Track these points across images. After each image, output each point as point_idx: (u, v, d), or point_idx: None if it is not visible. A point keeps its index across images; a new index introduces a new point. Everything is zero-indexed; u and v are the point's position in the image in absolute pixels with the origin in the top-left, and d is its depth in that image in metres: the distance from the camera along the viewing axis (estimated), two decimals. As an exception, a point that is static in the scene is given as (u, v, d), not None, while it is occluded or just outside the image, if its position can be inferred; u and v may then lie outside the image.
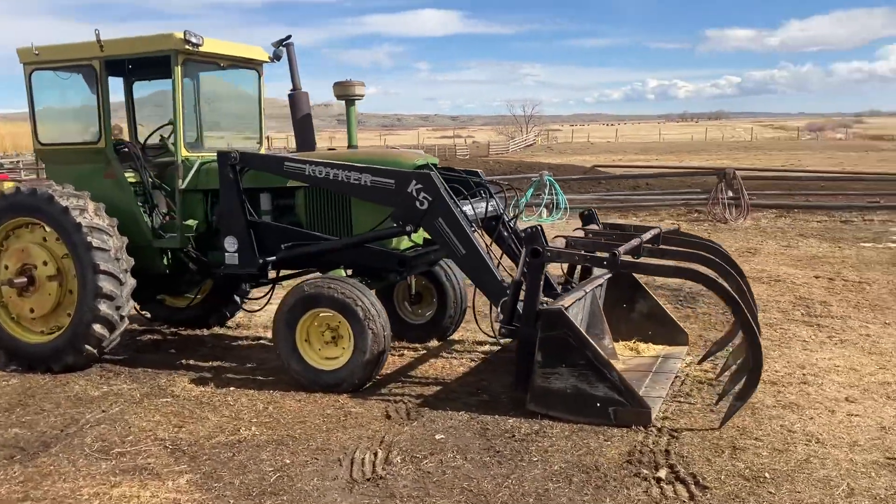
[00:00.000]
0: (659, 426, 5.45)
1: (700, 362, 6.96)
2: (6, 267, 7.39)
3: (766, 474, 4.68)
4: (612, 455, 5.02)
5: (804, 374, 6.59)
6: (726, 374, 6.41)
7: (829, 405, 5.87)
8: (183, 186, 7.30)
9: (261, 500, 4.56)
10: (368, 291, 6.45)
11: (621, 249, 5.64)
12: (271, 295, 8.07)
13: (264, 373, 7.13)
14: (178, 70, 7.15)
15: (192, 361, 7.62)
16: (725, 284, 5.45)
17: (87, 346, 7.10)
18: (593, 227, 7.40)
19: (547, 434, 5.38)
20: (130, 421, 5.89)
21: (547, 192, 19.85)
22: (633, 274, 7.03)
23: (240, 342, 8.44)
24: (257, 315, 9.37)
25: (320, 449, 5.27)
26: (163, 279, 7.77)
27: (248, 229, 7.01)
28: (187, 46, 7.06)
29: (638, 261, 5.88)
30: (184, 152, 7.33)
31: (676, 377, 6.49)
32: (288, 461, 5.07)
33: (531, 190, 20.07)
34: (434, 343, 7.92)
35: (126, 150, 7.66)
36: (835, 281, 10.89)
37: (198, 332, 8.92)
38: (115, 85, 8.14)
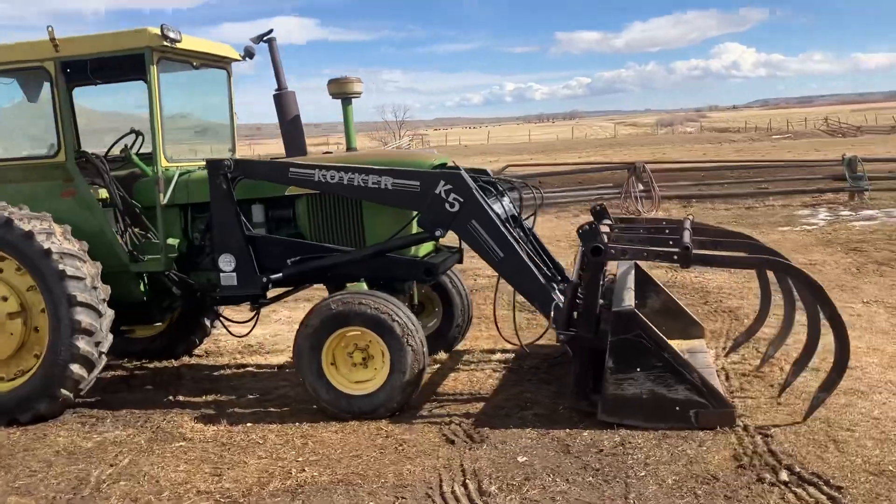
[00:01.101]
0: (742, 425, 5.19)
1: (727, 355, 6.81)
2: (-47, 307, 6.32)
3: (891, 467, 4.49)
4: (718, 461, 4.72)
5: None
6: (766, 365, 6.31)
7: (889, 387, 5.80)
8: (165, 201, 6.46)
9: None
10: (402, 305, 5.89)
11: (688, 242, 5.35)
12: (258, 315, 7.31)
13: (274, 403, 6.43)
14: (154, 70, 6.32)
15: (181, 398, 6.78)
16: (805, 272, 5.26)
17: (63, 391, 6.16)
18: (607, 222, 7.10)
19: (634, 445, 5.02)
20: (153, 473, 5.09)
21: None
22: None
23: (222, 371, 7.62)
24: (222, 340, 8.57)
25: (399, 485, 4.69)
26: (138, 308, 6.86)
27: (247, 245, 6.28)
28: (165, 43, 6.25)
29: (710, 252, 5.61)
30: (164, 163, 6.50)
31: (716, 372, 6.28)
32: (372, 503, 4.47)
33: None
34: (442, 355, 7.40)
35: (86, 163, 6.72)
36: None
37: (165, 363, 8.01)
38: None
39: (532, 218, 6.82)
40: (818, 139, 57.29)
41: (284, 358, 7.87)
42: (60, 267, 6.01)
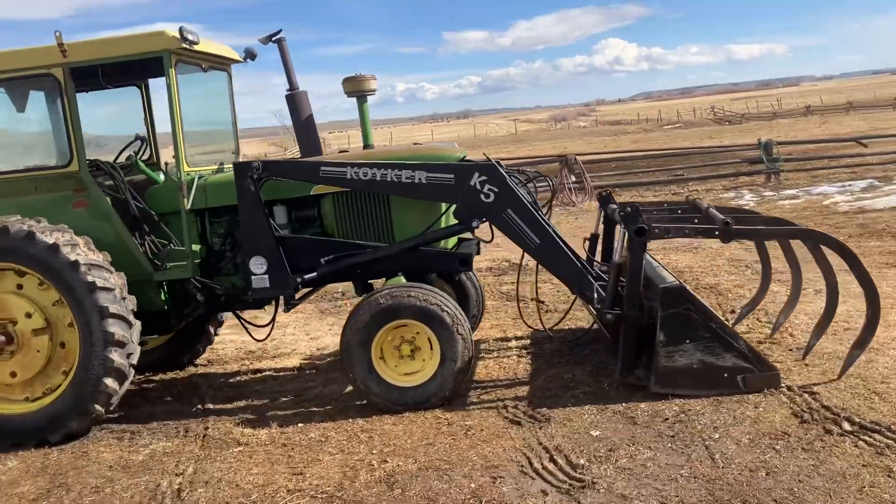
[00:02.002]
0: (787, 386, 5.55)
1: (733, 326, 7.20)
2: (-31, 327, 6.04)
3: (940, 412, 4.93)
4: (781, 420, 5.05)
5: (840, 322, 6.95)
6: (776, 333, 6.71)
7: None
8: (189, 207, 6.36)
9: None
10: (447, 295, 6.01)
11: (727, 217, 5.67)
12: (274, 318, 7.27)
13: (314, 403, 6.45)
14: (173, 73, 6.21)
15: (211, 406, 6.68)
16: (838, 240, 5.67)
17: (97, 406, 5.99)
18: (612, 206, 7.40)
19: (695, 411, 5.30)
20: (228, 478, 5.04)
21: None
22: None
23: (238, 378, 7.53)
24: (219, 349, 8.46)
25: (489, 466, 4.82)
26: (157, 317, 6.70)
27: (278, 246, 6.26)
28: (184, 45, 6.16)
29: (749, 227, 5.96)
30: (186, 168, 6.39)
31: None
32: (475, 485, 4.58)
33: None
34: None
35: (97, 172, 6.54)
36: (743, 243, 11.72)
37: (171, 374, 7.83)
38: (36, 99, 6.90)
39: (547, 207, 7.03)
40: (708, 127, 59.87)
41: (296, 360, 7.85)
42: (90, 279, 5.84)
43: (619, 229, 5.86)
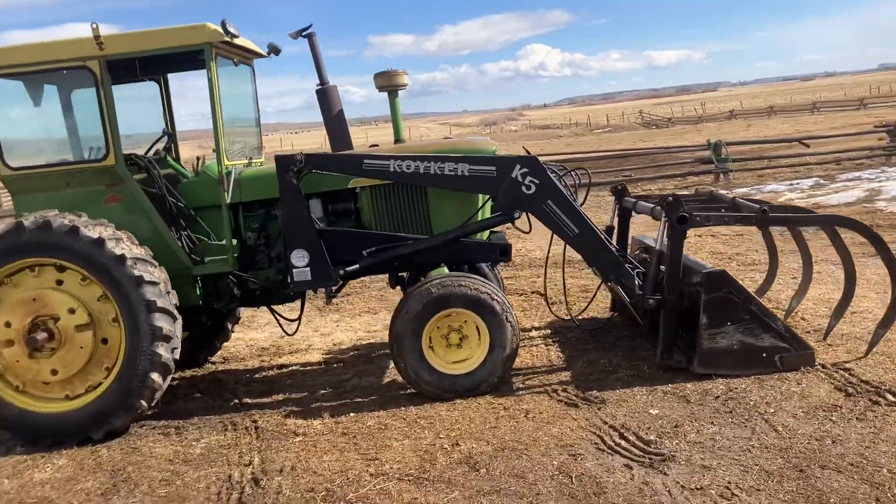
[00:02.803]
0: (821, 364, 5.89)
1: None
2: (7, 324, 5.90)
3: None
4: (826, 394, 5.38)
5: (852, 308, 7.29)
6: (789, 317, 7.06)
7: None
8: (229, 200, 6.35)
9: (601, 498, 4.26)
10: (495, 284, 6.16)
11: (763, 206, 5.99)
12: (302, 313, 7.29)
13: (355, 394, 6.49)
14: (214, 66, 6.20)
15: (248, 400, 6.66)
16: (867, 226, 6.04)
17: (142, 401, 5.93)
18: (628, 199, 7.68)
19: (741, 389, 5.59)
20: (304, 466, 5.07)
21: None
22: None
23: (264, 373, 7.51)
24: (230, 347, 8.42)
25: (564, 445, 5.00)
26: (190, 312, 6.66)
27: (319, 239, 6.31)
28: (226, 39, 6.17)
29: (784, 215, 6.29)
30: (226, 162, 6.38)
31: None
32: (557, 462, 4.75)
33: None
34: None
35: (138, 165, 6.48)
36: (719, 238, 12.23)
37: (191, 371, 7.76)
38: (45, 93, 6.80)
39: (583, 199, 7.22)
40: (636, 131, 61.44)
41: (316, 356, 7.87)
42: (136, 273, 5.79)
43: (662, 221, 6.09)
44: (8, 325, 5.88)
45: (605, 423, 5.27)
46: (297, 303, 7.18)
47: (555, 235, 6.37)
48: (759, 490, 4.18)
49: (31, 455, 5.82)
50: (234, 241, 6.50)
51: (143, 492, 4.98)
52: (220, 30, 6.11)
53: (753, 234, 12.25)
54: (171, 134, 7.07)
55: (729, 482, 4.29)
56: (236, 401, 6.67)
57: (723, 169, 20.58)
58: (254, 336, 8.92)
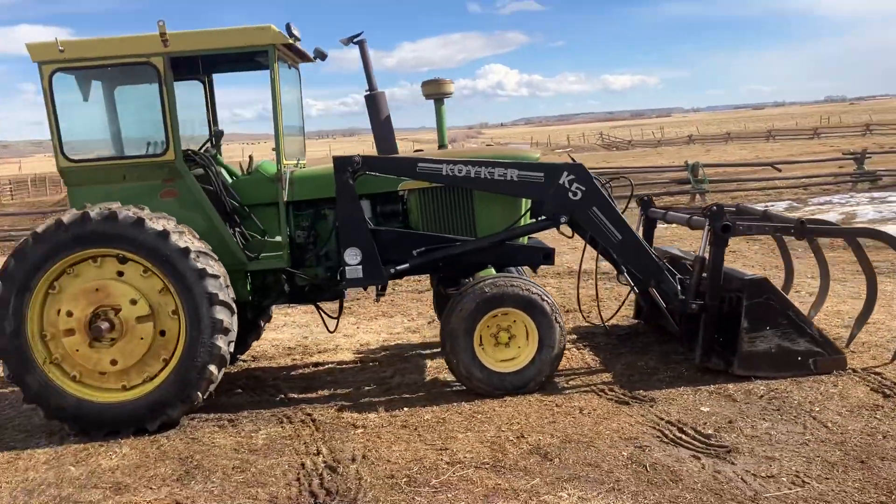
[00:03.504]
0: (852, 369, 6.24)
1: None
2: (69, 313, 5.95)
3: None
4: (864, 395, 5.73)
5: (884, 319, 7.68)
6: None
7: (919, 333, 7.14)
8: (286, 199, 6.51)
9: (679, 485, 4.51)
10: (540, 286, 6.40)
11: (801, 217, 6.34)
12: (341, 312, 7.44)
13: (402, 391, 6.67)
14: (277, 68, 6.37)
15: (293, 395, 6.78)
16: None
17: (198, 393, 6.03)
18: (653, 209, 8.00)
19: (782, 390, 5.90)
20: (376, 455, 5.23)
21: None
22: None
23: (301, 371, 7.62)
24: (256, 345, 8.50)
25: (626, 438, 5.24)
26: (238, 308, 6.76)
27: (372, 239, 6.49)
28: (290, 41, 6.34)
29: (820, 226, 6.65)
30: (285, 162, 6.53)
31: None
32: (627, 453, 4.99)
33: None
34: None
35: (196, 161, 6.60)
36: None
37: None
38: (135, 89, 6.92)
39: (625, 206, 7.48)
40: (597, 152, 62.35)
41: (347, 355, 8.01)
42: (200, 265, 5.90)
43: (705, 229, 6.40)
44: (70, 314, 5.94)
45: (661, 418, 5.53)
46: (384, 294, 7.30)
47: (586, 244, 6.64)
48: (827, 478, 4.47)
49: (87, 444, 5.87)
50: (270, 239, 6.64)
51: (219, 478, 5.08)
52: (285, 32, 6.28)
53: (755, 247, 12.73)
54: (222, 132, 7.19)
55: (797, 472, 4.57)
56: (281, 396, 6.79)
57: (699, 190, 21.17)
58: (275, 336, 9.01)
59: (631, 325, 8.15)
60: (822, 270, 7.47)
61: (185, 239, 5.96)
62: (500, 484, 4.66)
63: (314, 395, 6.75)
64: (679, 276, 6.62)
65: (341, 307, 7.40)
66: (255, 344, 8.52)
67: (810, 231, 6.36)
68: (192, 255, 5.90)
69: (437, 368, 7.25)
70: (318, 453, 5.36)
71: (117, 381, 6.07)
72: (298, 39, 6.40)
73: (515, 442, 5.29)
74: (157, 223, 5.92)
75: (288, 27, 6.29)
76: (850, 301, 8.53)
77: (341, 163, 6.44)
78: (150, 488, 5.01)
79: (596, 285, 7.49)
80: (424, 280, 10.95)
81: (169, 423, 6.07)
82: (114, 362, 6.00)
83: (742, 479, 4.52)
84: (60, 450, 5.82)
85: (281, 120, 6.42)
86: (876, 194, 20.47)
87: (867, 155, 22.62)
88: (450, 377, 6.87)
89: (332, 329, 7.47)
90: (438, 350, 7.77)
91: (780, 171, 22.38)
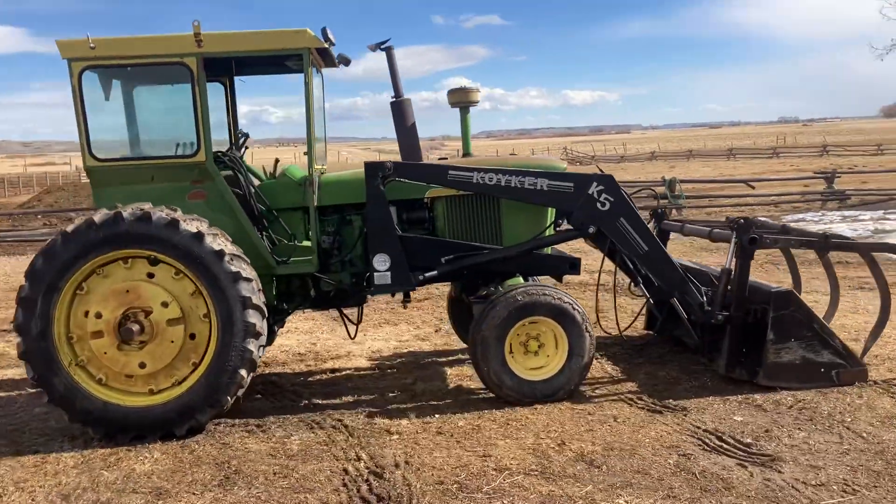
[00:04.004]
0: (872, 381, 6.38)
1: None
2: (98, 315, 5.84)
3: None
4: (889, 406, 5.88)
5: (861, 331, 7.91)
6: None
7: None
8: (314, 204, 6.48)
9: (732, 492, 4.57)
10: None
11: (825, 231, 6.49)
12: (361, 318, 7.40)
13: (428, 397, 6.64)
14: (311, 72, 6.34)
15: (317, 401, 6.72)
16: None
17: (228, 397, 5.95)
18: (666, 222, 8.12)
19: (808, 401, 6.02)
20: (419, 462, 5.20)
21: None
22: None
23: (318, 377, 7.56)
24: (267, 351, 8.40)
25: (668, 447, 5.29)
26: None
27: (401, 245, 6.49)
28: (325, 45, 6.33)
29: (843, 240, 6.79)
30: (316, 165, 6.50)
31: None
32: (672, 461, 5.05)
33: None
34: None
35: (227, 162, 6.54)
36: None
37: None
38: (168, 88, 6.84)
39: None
40: (564, 166, 62.73)
41: (361, 362, 7.97)
42: (234, 268, 5.84)
43: (731, 242, 6.51)
44: (99, 315, 5.82)
45: (698, 427, 5.60)
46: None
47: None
48: (875, 486, 4.57)
49: (115, 448, 5.74)
50: (297, 244, 6.60)
51: (263, 483, 5.01)
52: (321, 37, 6.27)
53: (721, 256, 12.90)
54: (247, 135, 7.13)
55: (844, 479, 4.66)
56: (305, 401, 6.72)
57: (676, 205, 21.49)
58: (282, 342, 8.92)
59: (642, 336, 8.24)
60: (833, 283, 7.64)
61: (219, 241, 5.89)
62: (553, 490, 4.68)
63: (339, 401, 6.70)
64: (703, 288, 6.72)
65: (361, 313, 7.37)
66: (267, 352, 8.42)
67: (834, 245, 6.52)
68: (227, 258, 5.83)
69: (458, 376, 7.25)
70: (359, 459, 5.32)
71: (144, 385, 5.96)
72: (333, 44, 6.39)
73: (558, 449, 5.31)
74: (191, 225, 5.84)
75: (324, 31, 6.28)
76: (851, 315, 8.75)
77: (373, 169, 6.43)
78: (193, 493, 4.93)
79: (615, 297, 7.55)
80: (422, 290, 10.94)
81: (196, 428, 5.97)
82: (142, 365, 5.89)
83: (793, 486, 4.60)
84: (88, 453, 5.69)
85: (314, 124, 6.38)
86: (847, 213, 21.03)
87: (837, 174, 23.20)
88: (473, 384, 6.89)
89: (352, 335, 7.42)
90: (456, 358, 7.84)
91: (753, 188, 22.83)
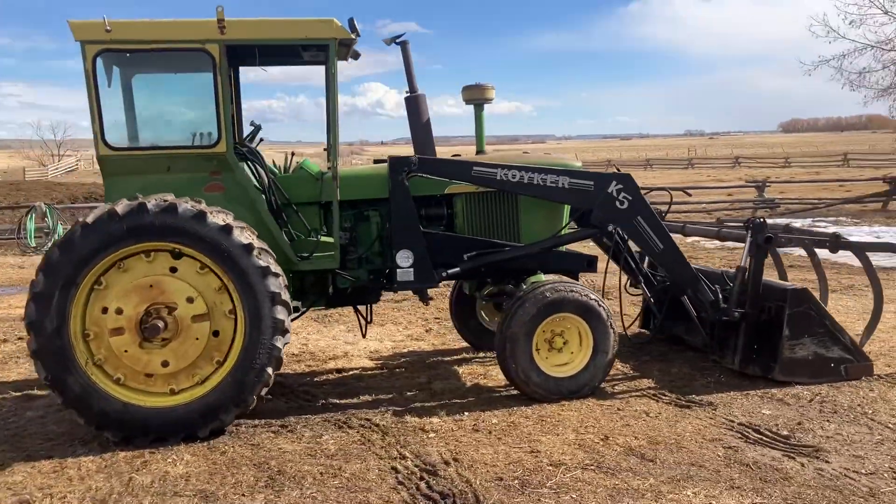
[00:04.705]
0: (876, 375, 6.63)
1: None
2: (118, 311, 5.55)
3: None
4: (904, 397, 6.11)
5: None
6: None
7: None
8: (327, 199, 6.34)
9: (791, 482, 4.67)
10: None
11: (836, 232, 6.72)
12: (370, 315, 7.26)
13: (450, 395, 6.55)
14: (336, 63, 6.20)
15: (335, 401, 6.55)
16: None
17: (253, 396, 5.74)
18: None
19: (825, 395, 6.22)
20: (469, 459, 5.12)
21: (52, 220, 19.34)
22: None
23: (325, 377, 7.36)
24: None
25: (713, 439, 5.37)
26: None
27: (424, 241, 6.41)
28: (352, 36, 6.19)
29: (854, 241, 7.02)
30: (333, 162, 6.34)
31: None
32: (721, 453, 5.12)
33: (32, 217, 19.35)
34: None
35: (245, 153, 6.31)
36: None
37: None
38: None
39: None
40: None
41: (364, 362, 7.82)
42: (263, 263, 5.64)
43: (747, 241, 6.67)
44: (119, 311, 5.53)
45: (731, 421, 5.70)
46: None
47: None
48: (924, 473, 4.74)
49: (136, 451, 5.45)
50: (318, 239, 6.43)
51: (313, 483, 4.84)
52: (347, 28, 6.13)
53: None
54: (260, 127, 6.90)
55: (891, 468, 4.82)
56: (321, 401, 6.54)
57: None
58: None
59: (638, 335, 8.34)
60: (822, 284, 7.91)
61: (246, 235, 5.68)
62: (617, 484, 4.68)
63: (357, 400, 6.54)
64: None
65: (371, 312, 7.23)
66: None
67: (843, 245, 6.76)
68: (256, 252, 5.62)
69: (470, 374, 7.19)
70: (404, 458, 5.20)
71: (165, 384, 5.69)
72: (359, 36, 6.25)
73: (603, 444, 5.32)
74: (217, 217, 5.61)
75: (351, 22, 6.14)
76: (834, 314, 9.06)
77: (398, 163, 6.33)
78: (242, 495, 4.72)
79: (620, 296, 7.64)
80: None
81: (219, 429, 5.74)
82: (165, 364, 5.62)
83: (846, 476, 4.73)
84: (108, 457, 5.38)
85: (337, 117, 6.24)
86: (779, 220, 21.84)
87: (767, 184, 24.11)
88: (490, 382, 6.86)
89: (364, 333, 7.27)
90: (461, 357, 7.79)
91: (690, 195, 23.44)
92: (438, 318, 9.64)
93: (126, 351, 5.56)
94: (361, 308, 7.19)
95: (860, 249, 6.95)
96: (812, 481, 4.66)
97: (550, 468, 4.94)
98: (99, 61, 5.88)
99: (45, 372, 5.48)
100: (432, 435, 5.61)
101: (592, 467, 4.94)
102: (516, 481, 4.76)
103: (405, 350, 8.21)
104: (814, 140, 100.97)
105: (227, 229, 5.57)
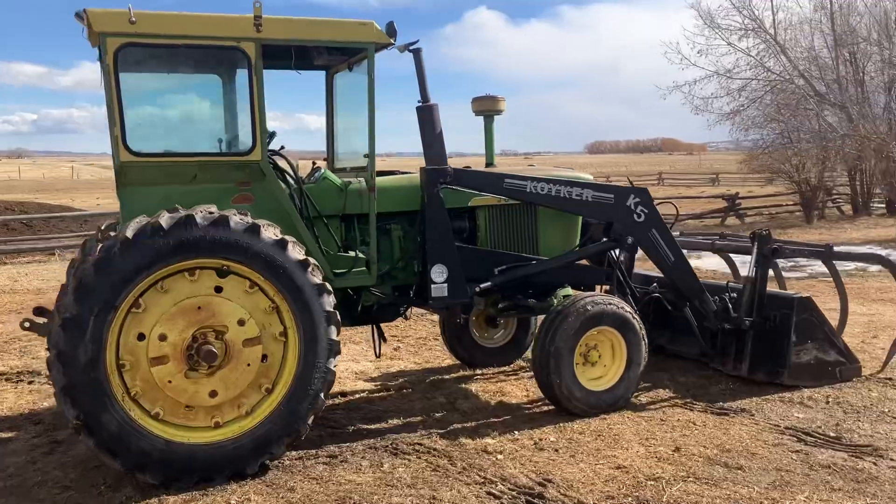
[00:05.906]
0: (866, 376, 7.12)
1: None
2: (162, 337, 4.93)
3: None
4: (906, 396, 6.61)
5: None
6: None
7: None
8: (351, 211, 6.02)
9: (875, 481, 4.89)
10: None
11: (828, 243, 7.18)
12: (382, 333, 6.90)
13: (481, 415, 6.32)
14: (374, 67, 5.88)
15: (362, 426, 6.15)
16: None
17: (307, 426, 5.30)
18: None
19: (835, 396, 6.60)
20: (561, 478, 4.98)
21: None
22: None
23: (332, 401, 6.83)
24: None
25: (775, 444, 5.53)
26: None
27: (458, 256, 6.22)
28: (393, 42, 5.91)
29: (845, 251, 7.46)
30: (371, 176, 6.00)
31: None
32: (795, 458, 5.28)
33: None
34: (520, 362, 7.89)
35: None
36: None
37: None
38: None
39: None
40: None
41: (366, 385, 7.43)
42: (318, 280, 5.24)
43: (753, 253, 6.97)
44: (163, 337, 4.91)
45: (776, 425, 5.91)
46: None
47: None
48: (980, 465, 5.13)
49: (189, 494, 4.86)
50: (352, 254, 6.08)
51: (418, 516, 4.52)
52: (386, 32, 5.85)
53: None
54: (274, 134, 6.38)
55: (946, 462, 5.18)
56: (352, 427, 6.13)
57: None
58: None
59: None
60: (781, 285, 8.40)
61: (298, 250, 5.24)
62: (729, 494, 4.71)
63: (386, 424, 6.17)
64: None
65: (381, 333, 6.87)
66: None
67: (836, 255, 7.23)
68: (310, 269, 5.20)
69: (486, 392, 7.01)
70: (492, 482, 4.97)
71: (208, 417, 5.11)
72: (393, 43, 5.97)
73: (679, 455, 5.35)
74: (269, 231, 5.14)
75: (391, 26, 5.85)
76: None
77: (433, 176, 6.11)
78: (350, 535, 4.32)
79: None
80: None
81: (266, 465, 5.24)
82: (213, 394, 5.05)
83: (920, 472, 5.02)
84: (155, 502, 4.76)
85: (374, 121, 5.92)
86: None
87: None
88: (513, 399, 6.75)
89: (378, 354, 6.90)
90: (461, 374, 7.64)
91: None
92: (397, 336, 9.31)
93: (170, 382, 4.94)
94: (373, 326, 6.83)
95: (848, 259, 7.45)
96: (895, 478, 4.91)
97: (651, 483, 4.89)
98: (120, 57, 5.23)
99: (75, 410, 4.75)
100: (500, 456, 5.40)
101: (690, 479, 4.94)
102: (629, 499, 4.68)
103: (395, 370, 7.88)
104: (619, 161, 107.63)
105: (281, 244, 5.11)
